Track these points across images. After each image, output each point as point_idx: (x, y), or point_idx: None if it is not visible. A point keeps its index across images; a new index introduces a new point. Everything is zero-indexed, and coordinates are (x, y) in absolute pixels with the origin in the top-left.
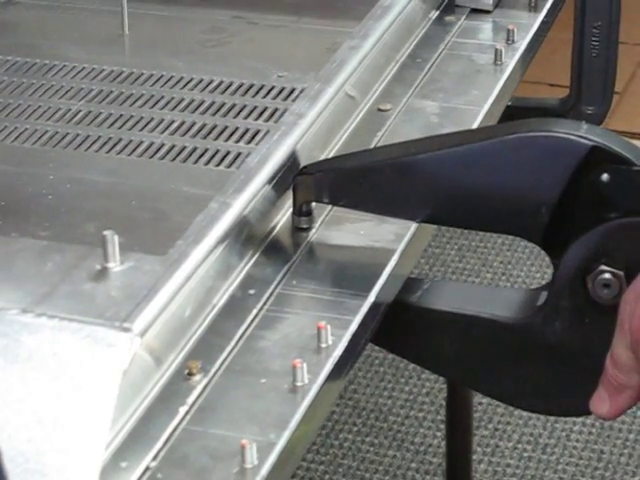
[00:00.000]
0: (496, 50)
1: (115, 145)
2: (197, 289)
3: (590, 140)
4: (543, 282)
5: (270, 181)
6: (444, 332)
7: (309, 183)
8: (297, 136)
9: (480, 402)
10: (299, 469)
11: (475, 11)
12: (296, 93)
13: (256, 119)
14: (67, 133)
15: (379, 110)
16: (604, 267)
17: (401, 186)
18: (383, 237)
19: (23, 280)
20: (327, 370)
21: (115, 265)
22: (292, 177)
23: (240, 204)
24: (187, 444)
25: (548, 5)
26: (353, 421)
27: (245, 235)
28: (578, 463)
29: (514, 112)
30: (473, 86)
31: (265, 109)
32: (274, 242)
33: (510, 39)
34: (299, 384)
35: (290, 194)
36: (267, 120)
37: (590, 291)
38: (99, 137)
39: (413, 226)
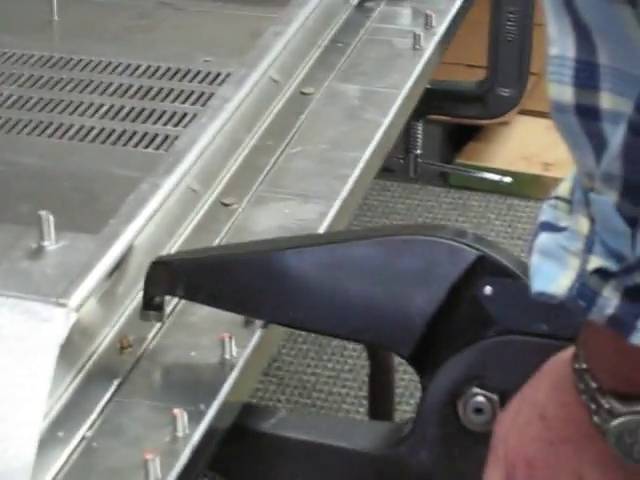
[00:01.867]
0: (415, 35)
1: (46, 129)
2: (128, 266)
3: (476, 249)
4: None
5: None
6: (299, 462)
7: (163, 275)
8: (224, 119)
9: (402, 378)
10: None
11: None
12: (222, 77)
13: (183, 102)
14: None
15: (302, 93)
16: (477, 390)
17: (261, 284)
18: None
19: None
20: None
21: (50, 244)
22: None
23: (169, 185)
24: (121, 415)
25: None
26: (277, 397)
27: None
28: None
29: (432, 95)
30: (393, 70)
31: (192, 93)
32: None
33: (428, 24)
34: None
35: None
36: (194, 103)
37: (461, 417)
38: (30, 121)
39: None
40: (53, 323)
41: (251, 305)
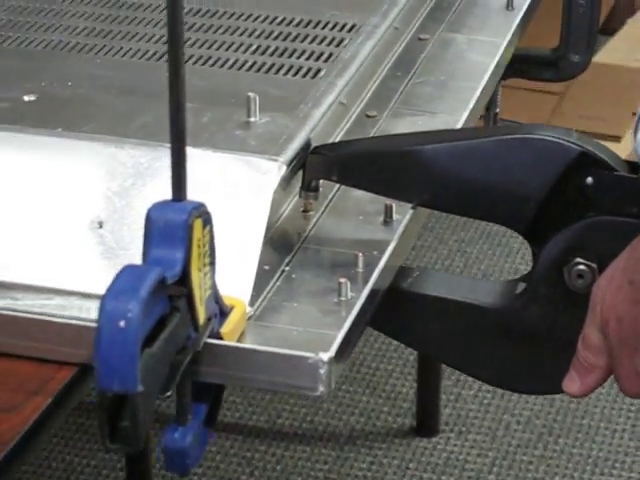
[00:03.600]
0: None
1: (208, 60)
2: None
3: (579, 146)
4: (494, 258)
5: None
6: (432, 316)
7: (320, 162)
8: (369, 48)
9: None
10: (284, 410)
11: None
12: (348, 27)
13: (319, 44)
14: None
15: (419, 39)
16: (580, 259)
17: (404, 173)
18: None
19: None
20: None
21: (256, 119)
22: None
23: (343, 81)
24: (312, 255)
25: None
26: None
27: None
28: (532, 408)
29: (515, 58)
30: (493, 23)
31: (325, 38)
32: None
33: None
34: None
35: None
36: (329, 45)
37: (566, 281)
38: (195, 55)
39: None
40: (269, 174)
41: (394, 190)
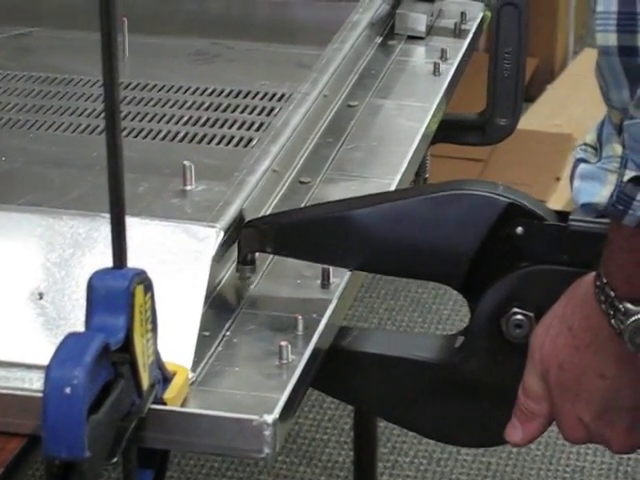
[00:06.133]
0: (435, 63)
1: (140, 132)
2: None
3: (507, 197)
4: (425, 326)
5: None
6: (373, 373)
7: (254, 235)
8: (302, 112)
9: (379, 419)
10: None
11: (411, 38)
12: (278, 96)
13: (250, 114)
14: None
15: (349, 106)
16: (516, 309)
17: (337, 239)
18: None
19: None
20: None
21: (192, 187)
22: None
23: (276, 149)
24: (251, 320)
25: (472, 31)
26: None
27: None
28: (469, 473)
29: (443, 123)
30: (420, 88)
31: (255, 107)
32: None
33: (444, 57)
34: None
35: None
36: (259, 114)
37: (504, 332)
38: (127, 128)
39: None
40: (207, 240)
41: (329, 257)
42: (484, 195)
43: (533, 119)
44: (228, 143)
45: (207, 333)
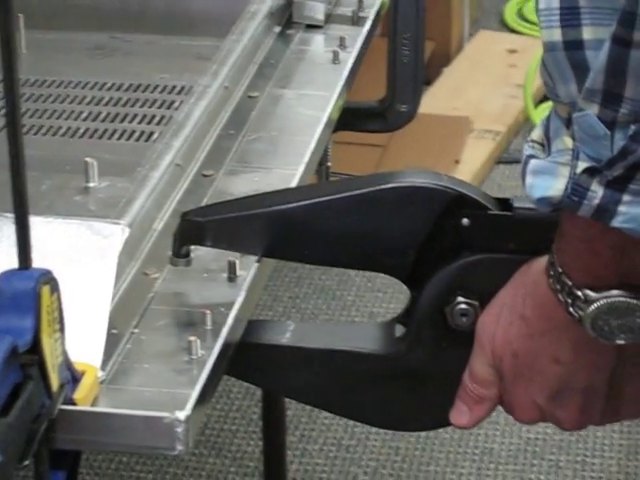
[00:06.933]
0: (334, 52)
1: (40, 129)
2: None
3: (451, 189)
4: (330, 312)
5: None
6: (315, 367)
7: (192, 228)
8: (204, 105)
9: (287, 408)
10: (130, 478)
11: (309, 26)
12: (178, 89)
13: (150, 107)
14: None
15: (249, 97)
16: (461, 298)
17: (281, 232)
18: None
19: None
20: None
21: (96, 184)
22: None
23: (179, 142)
24: (160, 315)
25: (371, 18)
26: None
27: None
28: (378, 459)
29: (344, 111)
30: (320, 78)
31: (155, 100)
32: None
33: (343, 45)
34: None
35: None
36: (159, 108)
37: (449, 320)
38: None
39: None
40: (112, 237)
41: (273, 249)
42: (429, 187)
43: (430, 103)
44: (129, 138)
45: (115, 331)
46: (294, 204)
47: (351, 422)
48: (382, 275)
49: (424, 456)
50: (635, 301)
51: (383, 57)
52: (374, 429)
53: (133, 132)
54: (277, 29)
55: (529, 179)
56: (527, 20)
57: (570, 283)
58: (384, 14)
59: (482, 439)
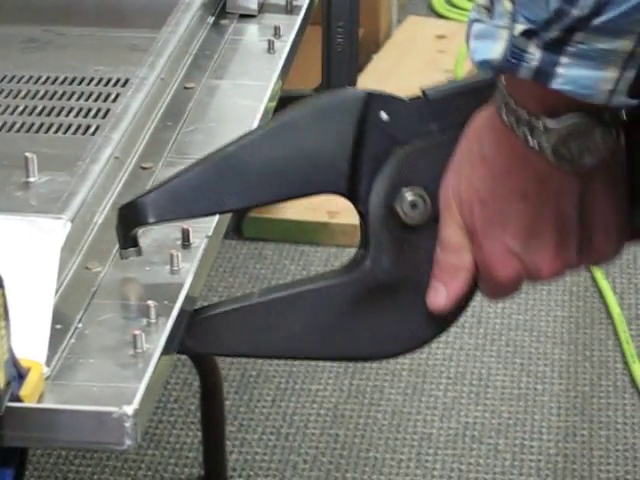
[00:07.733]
0: (269, 41)
1: None
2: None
3: (361, 91)
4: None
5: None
6: (290, 315)
7: (132, 210)
8: (142, 97)
9: (225, 398)
10: (69, 472)
11: (243, 16)
12: (113, 81)
13: (86, 100)
14: None
15: (185, 88)
16: (407, 191)
17: (218, 184)
18: None
19: None
20: None
21: (36, 179)
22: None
23: (118, 135)
24: (103, 309)
25: (305, 7)
26: None
27: None
28: (318, 447)
29: (280, 101)
30: (256, 68)
31: (92, 93)
32: None
33: (277, 34)
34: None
35: None
36: (95, 101)
37: (402, 217)
38: None
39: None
40: (54, 232)
41: (219, 204)
42: (340, 96)
43: None
44: (67, 131)
45: (59, 326)
46: (223, 152)
47: (289, 411)
48: (316, 262)
49: (363, 443)
50: (593, 120)
51: (317, 45)
52: (312, 417)
53: (71, 125)
54: (211, 19)
55: (472, 43)
56: (455, 6)
57: (526, 114)
58: (317, 2)
59: (421, 424)
